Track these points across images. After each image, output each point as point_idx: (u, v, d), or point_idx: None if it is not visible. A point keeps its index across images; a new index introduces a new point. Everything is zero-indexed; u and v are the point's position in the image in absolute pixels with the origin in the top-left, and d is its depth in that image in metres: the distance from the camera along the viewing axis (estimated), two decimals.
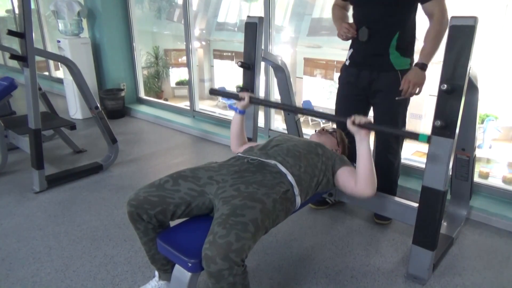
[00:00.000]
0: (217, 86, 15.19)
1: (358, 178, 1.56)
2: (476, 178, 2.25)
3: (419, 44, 1.91)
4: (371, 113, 2.13)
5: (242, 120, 1.89)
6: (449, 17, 1.76)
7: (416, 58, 1.97)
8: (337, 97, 2.20)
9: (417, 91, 1.85)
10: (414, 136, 1.39)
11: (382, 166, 2.15)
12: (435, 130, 1.52)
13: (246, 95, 1.78)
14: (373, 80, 1.96)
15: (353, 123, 1.47)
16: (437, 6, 1.78)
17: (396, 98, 1.96)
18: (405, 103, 2.02)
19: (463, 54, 1.42)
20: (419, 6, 1.86)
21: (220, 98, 14.31)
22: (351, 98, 2.09)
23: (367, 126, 1.47)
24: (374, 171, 1.55)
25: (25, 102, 2.52)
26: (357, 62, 2.01)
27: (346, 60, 2.13)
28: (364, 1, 1.91)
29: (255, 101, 1.84)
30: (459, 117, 1.48)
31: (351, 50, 2.05)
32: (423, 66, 1.82)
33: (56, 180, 2.72)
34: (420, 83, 1.83)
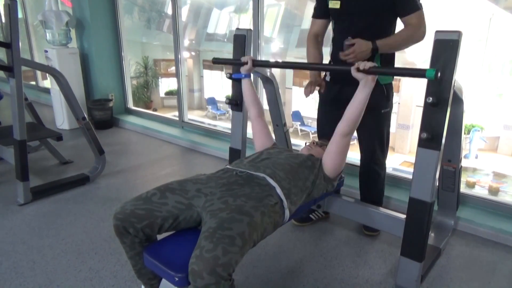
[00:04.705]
0: (206, 96, 15.23)
1: (343, 119, 1.63)
2: (463, 188, 2.28)
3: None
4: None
5: (251, 83, 2.00)
6: (426, 30, 1.79)
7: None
8: (319, 113, 2.19)
9: (351, 57, 1.72)
10: (421, 72, 1.34)
11: (368, 177, 2.17)
12: (421, 142, 1.54)
13: (248, 59, 1.90)
14: None
15: (358, 69, 1.50)
16: (415, 18, 1.78)
17: (382, 111, 1.98)
18: (389, 116, 2.04)
19: (448, 67, 1.45)
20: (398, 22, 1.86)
21: (209, 108, 14.39)
22: (335, 113, 1.93)
23: (372, 71, 1.49)
24: (360, 119, 1.62)
25: (10, 112, 2.49)
26: (340, 78, 1.93)
27: (326, 75, 2.10)
28: (345, 16, 1.90)
29: (258, 63, 1.96)
30: (444, 129, 1.50)
31: (332, 63, 2.03)
32: (374, 47, 1.75)
33: (41, 192, 2.67)
34: (360, 57, 1.71)
